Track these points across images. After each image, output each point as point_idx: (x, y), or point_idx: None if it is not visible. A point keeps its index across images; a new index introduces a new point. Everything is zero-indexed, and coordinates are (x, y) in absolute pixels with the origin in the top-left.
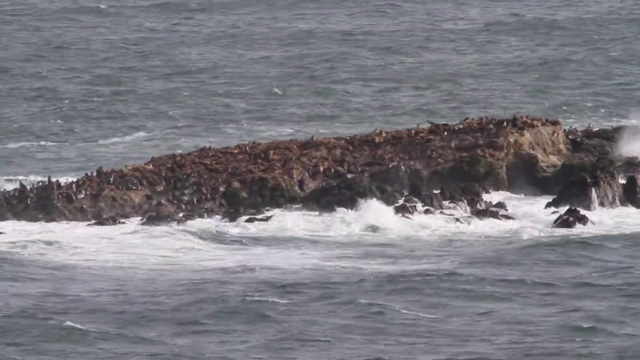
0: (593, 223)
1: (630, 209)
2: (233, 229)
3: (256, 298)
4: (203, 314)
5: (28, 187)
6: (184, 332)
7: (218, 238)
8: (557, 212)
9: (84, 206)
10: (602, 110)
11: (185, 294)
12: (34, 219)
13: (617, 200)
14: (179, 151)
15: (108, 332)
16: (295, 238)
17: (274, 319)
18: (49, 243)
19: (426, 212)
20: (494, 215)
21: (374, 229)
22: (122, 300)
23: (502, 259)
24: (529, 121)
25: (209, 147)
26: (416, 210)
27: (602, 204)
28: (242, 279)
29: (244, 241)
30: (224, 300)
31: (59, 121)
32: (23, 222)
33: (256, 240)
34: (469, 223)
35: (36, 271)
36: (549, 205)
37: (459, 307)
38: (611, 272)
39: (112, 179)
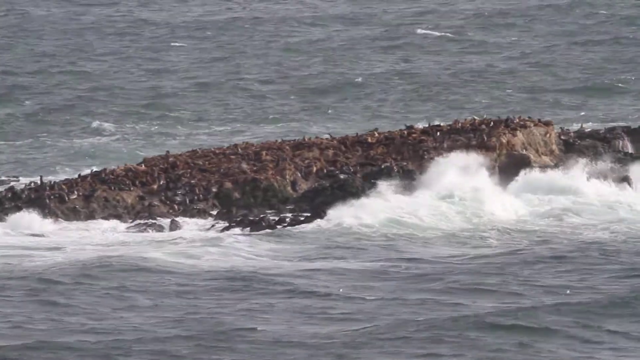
0: None
1: None
2: None
3: None
4: None
5: (19, 188)
6: None
7: None
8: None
9: (77, 207)
10: None
11: None
12: None
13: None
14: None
15: None
16: None
17: None
18: None
19: None
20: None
21: None
22: None
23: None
24: (521, 122)
25: (199, 148)
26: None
27: None
28: None
29: None
30: None
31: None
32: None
33: None
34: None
35: None
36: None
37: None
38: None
39: (104, 179)
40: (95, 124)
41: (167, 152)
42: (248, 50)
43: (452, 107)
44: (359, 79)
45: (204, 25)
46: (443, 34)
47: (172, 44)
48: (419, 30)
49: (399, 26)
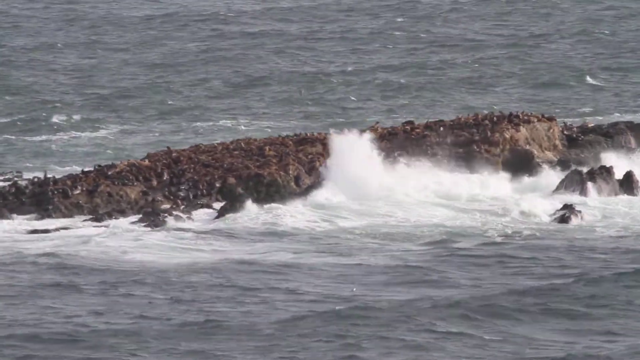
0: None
1: None
2: None
3: None
4: None
5: (23, 184)
6: None
7: None
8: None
9: (80, 202)
10: None
11: None
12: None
13: (614, 195)
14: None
15: None
16: None
17: None
18: None
19: None
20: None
21: None
22: None
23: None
24: (525, 117)
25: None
26: None
27: None
28: None
29: None
30: None
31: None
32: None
33: None
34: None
35: None
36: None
37: None
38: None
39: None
40: (57, 118)
41: (168, 147)
42: (224, 46)
43: (431, 105)
44: (335, 78)
45: (178, 19)
46: (419, 30)
47: (143, 38)
48: (394, 29)
49: (376, 19)
